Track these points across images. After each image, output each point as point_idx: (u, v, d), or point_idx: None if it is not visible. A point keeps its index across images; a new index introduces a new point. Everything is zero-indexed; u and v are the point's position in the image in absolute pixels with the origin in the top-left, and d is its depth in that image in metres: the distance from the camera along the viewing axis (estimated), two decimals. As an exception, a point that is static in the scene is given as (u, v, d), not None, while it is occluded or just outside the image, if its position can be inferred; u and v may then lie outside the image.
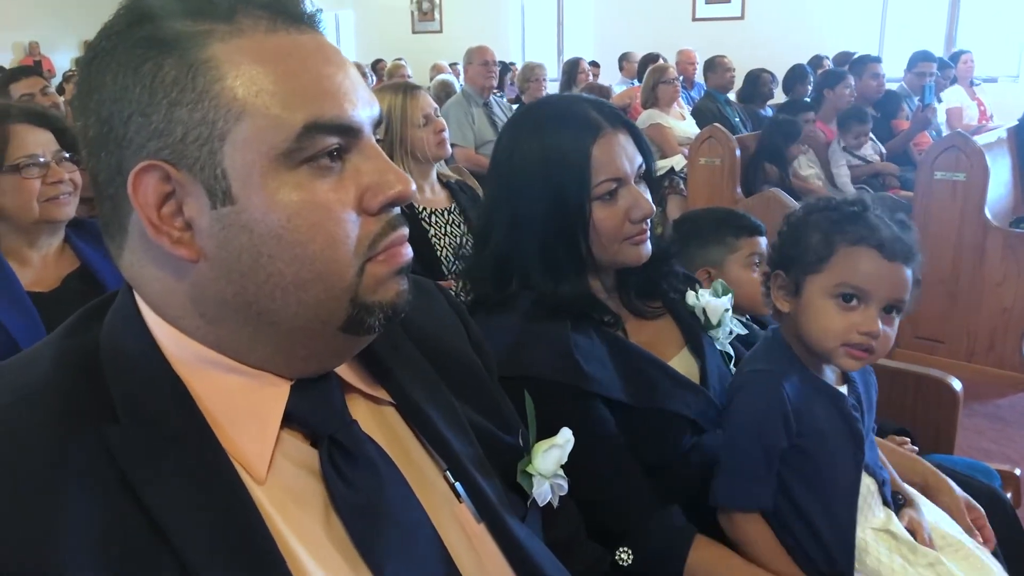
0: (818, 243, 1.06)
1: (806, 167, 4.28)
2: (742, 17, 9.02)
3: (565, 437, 0.83)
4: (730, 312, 1.26)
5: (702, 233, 1.60)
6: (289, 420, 0.65)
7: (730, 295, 1.26)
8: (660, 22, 9.17)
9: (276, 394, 0.64)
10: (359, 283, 0.62)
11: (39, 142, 1.54)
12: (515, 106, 5.41)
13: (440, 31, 11.79)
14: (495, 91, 6.11)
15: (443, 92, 5.31)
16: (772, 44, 8.11)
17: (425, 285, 0.86)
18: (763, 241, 1.60)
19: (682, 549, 1.02)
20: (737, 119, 5.38)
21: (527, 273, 1.14)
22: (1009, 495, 1.70)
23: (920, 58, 4.92)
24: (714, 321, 1.24)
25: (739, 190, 3.75)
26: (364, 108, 0.63)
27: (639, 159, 1.16)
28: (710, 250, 1.56)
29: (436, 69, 7.21)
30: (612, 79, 8.70)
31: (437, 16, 11.85)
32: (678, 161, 4.39)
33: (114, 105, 0.59)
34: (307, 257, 0.60)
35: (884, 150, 4.58)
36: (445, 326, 0.84)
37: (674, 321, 1.25)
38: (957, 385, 1.76)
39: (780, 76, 5.99)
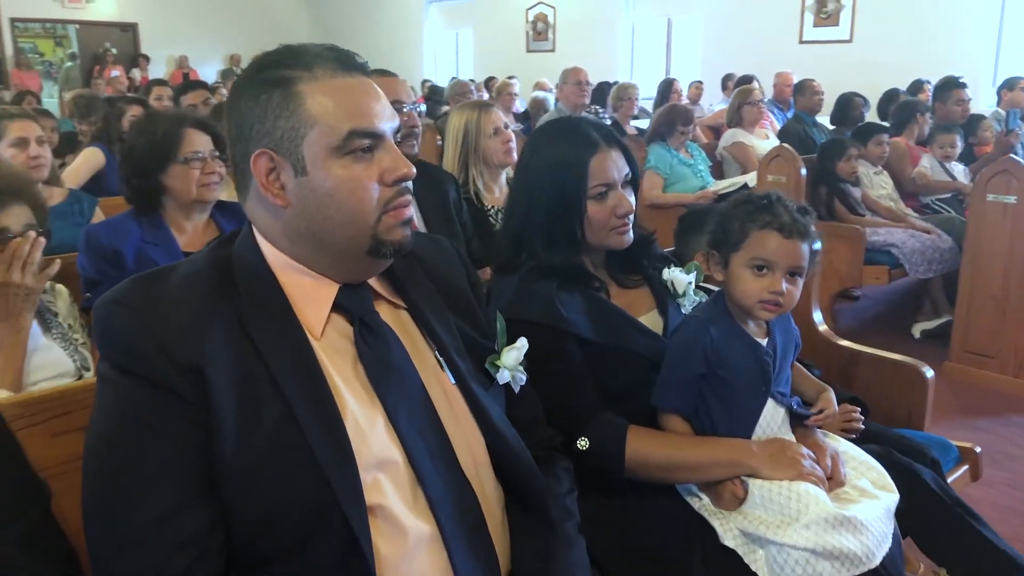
0: (737, 229, 1.42)
1: (878, 187, 4.45)
2: (850, 40, 9.05)
3: (522, 344, 1.23)
4: (693, 285, 1.61)
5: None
6: (336, 307, 1.08)
7: (695, 273, 1.62)
8: (766, 44, 9.31)
9: (330, 290, 1.08)
10: (377, 227, 1.05)
11: (202, 143, 2.08)
12: (610, 123, 5.80)
13: (553, 50, 12.29)
14: (598, 109, 6.51)
15: (537, 109, 5.75)
16: (880, 67, 8.12)
17: (442, 242, 1.29)
18: None
19: (621, 434, 1.40)
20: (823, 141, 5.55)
21: (534, 247, 1.54)
22: (965, 468, 1.96)
23: (1004, 85, 4.97)
24: (680, 291, 1.61)
25: (802, 206, 3.99)
26: (387, 122, 1.06)
27: (626, 169, 1.55)
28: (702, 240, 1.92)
29: (538, 86, 7.68)
30: (715, 98, 8.93)
31: (551, 36, 12.37)
32: (752, 178, 4.64)
33: (244, 118, 1.04)
34: (347, 209, 1.03)
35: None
36: (451, 268, 1.26)
37: (649, 290, 1.63)
38: (929, 372, 2.02)
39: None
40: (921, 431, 2.01)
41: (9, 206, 1.67)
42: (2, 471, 0.90)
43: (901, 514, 1.44)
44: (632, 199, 1.54)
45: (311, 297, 1.06)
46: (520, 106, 7.49)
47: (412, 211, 1.09)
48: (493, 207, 2.64)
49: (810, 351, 2.07)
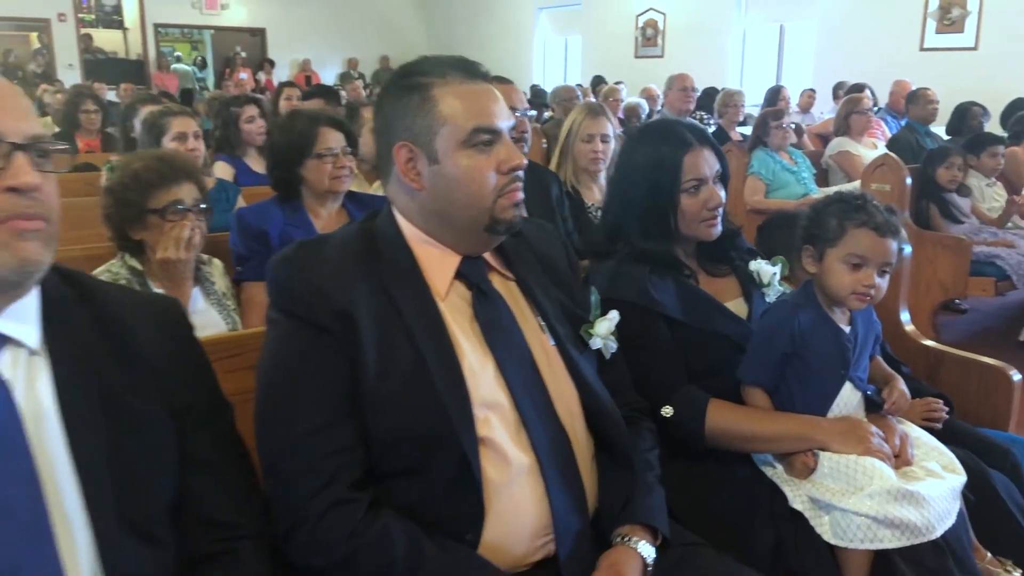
0: (835, 226, 1.54)
1: (990, 199, 4.37)
2: (975, 48, 8.69)
3: (613, 315, 1.40)
4: (778, 276, 1.75)
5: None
6: (458, 275, 1.29)
7: (780, 265, 1.75)
8: (884, 51, 9.04)
9: (453, 260, 1.28)
10: (494, 207, 1.25)
11: (335, 140, 2.35)
12: (712, 131, 5.86)
13: (662, 56, 12.30)
14: (703, 115, 6.58)
15: (631, 115, 5.87)
16: (1006, 77, 7.79)
17: (546, 226, 1.49)
18: None
19: (702, 405, 1.55)
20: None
21: (629, 236, 1.71)
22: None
23: None
24: (765, 281, 1.74)
25: (907, 214, 3.98)
26: (504, 121, 1.26)
27: (717, 167, 1.70)
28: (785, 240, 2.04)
29: (645, 92, 7.78)
30: (826, 107, 8.77)
31: (660, 42, 12.39)
32: (856, 187, 4.63)
33: (388, 116, 1.26)
34: (470, 192, 1.23)
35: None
36: (553, 248, 1.45)
37: (736, 279, 1.77)
38: (1016, 376, 2.06)
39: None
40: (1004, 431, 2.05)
41: (182, 183, 1.98)
42: (202, 380, 1.14)
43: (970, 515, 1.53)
44: (722, 194, 1.69)
45: (438, 265, 1.28)
46: (628, 112, 7.61)
47: (522, 195, 1.28)
48: (592, 204, 2.82)
49: (897, 351, 2.15)
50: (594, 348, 1.38)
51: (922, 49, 9.08)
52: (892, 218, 1.52)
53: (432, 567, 1.11)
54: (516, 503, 1.19)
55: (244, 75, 13.49)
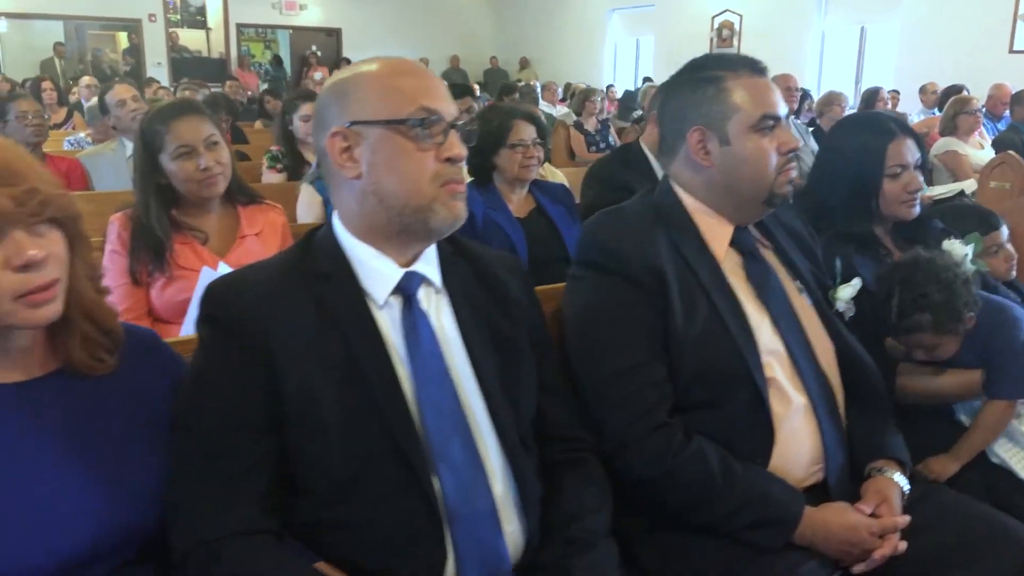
0: None
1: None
2: (1068, 50, 8.64)
3: (856, 283, 1.60)
4: (970, 256, 1.92)
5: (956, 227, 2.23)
6: (731, 242, 1.50)
7: (973, 244, 1.93)
8: (971, 53, 9.00)
9: (727, 230, 1.49)
10: (774, 183, 1.45)
11: (527, 132, 2.59)
12: (811, 129, 5.99)
13: (737, 57, 12.39)
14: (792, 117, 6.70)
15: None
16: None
17: (788, 201, 1.70)
18: (1004, 232, 2.19)
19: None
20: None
21: (834, 217, 1.91)
22: None
23: None
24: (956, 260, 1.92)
25: (1027, 212, 4.07)
26: (783, 109, 1.46)
27: (918, 155, 1.89)
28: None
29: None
30: (911, 108, 8.78)
31: (735, 43, 12.46)
32: (969, 185, 4.72)
33: (680, 104, 1.48)
34: (755, 169, 1.43)
35: None
36: (796, 222, 1.66)
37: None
38: None
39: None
40: None
41: None
42: (544, 320, 1.37)
43: None
44: (921, 183, 1.88)
45: (716, 233, 1.49)
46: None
47: (795, 173, 1.49)
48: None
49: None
50: (840, 310, 1.59)
51: (1012, 51, 9.03)
52: None
53: (742, 480, 1.32)
54: (795, 435, 1.40)
55: (320, 74, 13.93)
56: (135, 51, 14.97)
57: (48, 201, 0.98)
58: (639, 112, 9.21)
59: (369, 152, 1.15)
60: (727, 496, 1.31)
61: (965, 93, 6.32)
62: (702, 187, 1.49)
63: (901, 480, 1.43)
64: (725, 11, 12.52)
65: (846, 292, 1.60)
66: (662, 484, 1.33)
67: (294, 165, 3.78)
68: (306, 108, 3.89)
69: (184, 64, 14.95)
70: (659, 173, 2.81)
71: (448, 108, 1.18)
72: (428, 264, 1.23)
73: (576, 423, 1.32)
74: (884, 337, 1.74)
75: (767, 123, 1.43)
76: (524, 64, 15.87)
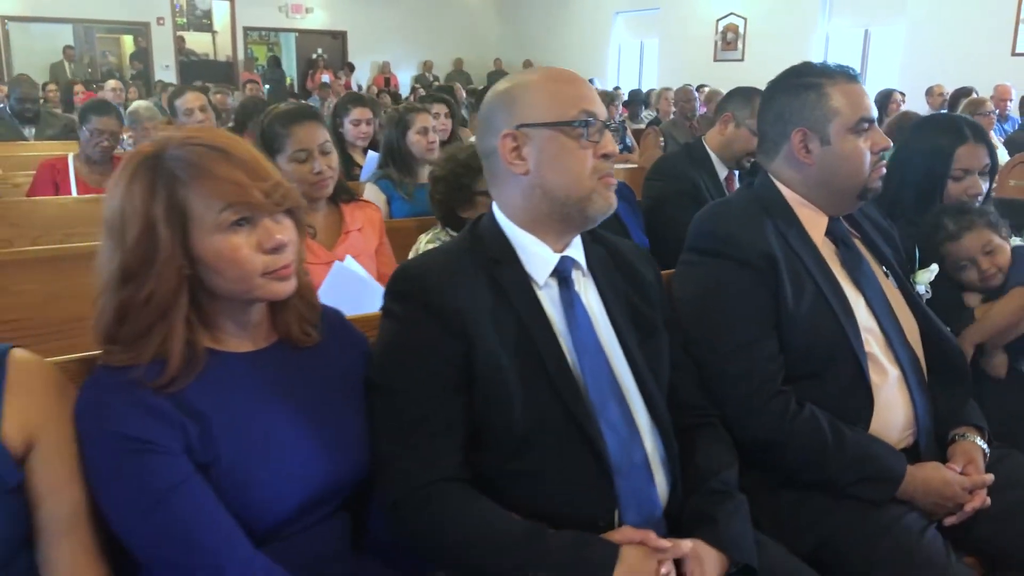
0: None
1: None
2: (1069, 53, 8.85)
3: (934, 268, 1.78)
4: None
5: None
6: (827, 231, 1.66)
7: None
8: (975, 56, 9.19)
9: (822, 220, 1.65)
10: (868, 178, 1.61)
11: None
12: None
13: (742, 60, 12.56)
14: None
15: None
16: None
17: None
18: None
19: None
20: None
21: (904, 210, 2.07)
22: None
23: None
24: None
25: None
26: (875, 112, 1.63)
27: (986, 161, 2.06)
28: None
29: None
30: (917, 110, 8.95)
31: (740, 46, 12.65)
32: (986, 183, 4.91)
33: (782, 108, 1.64)
34: (854, 166, 1.59)
35: None
36: (872, 211, 1.82)
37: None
38: None
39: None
40: None
41: None
42: (669, 303, 1.54)
43: None
44: (984, 186, 2.05)
45: (813, 223, 1.66)
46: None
47: (884, 170, 1.65)
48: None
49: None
50: (920, 293, 1.76)
51: (1014, 54, 9.24)
52: None
53: (851, 441, 1.49)
54: (891, 403, 1.56)
55: (327, 77, 14.04)
56: (143, 54, 15.09)
57: (288, 194, 1.14)
58: (651, 113, 9.42)
59: (536, 151, 1.31)
60: (838, 456, 1.48)
61: (975, 95, 6.53)
62: (802, 182, 1.66)
63: (982, 443, 1.59)
64: (730, 14, 12.71)
65: (925, 276, 1.77)
66: (780, 446, 1.49)
67: (346, 167, 3.92)
68: (357, 112, 4.06)
69: (191, 67, 15.08)
70: (719, 169, 3.00)
71: (602, 111, 1.34)
72: (577, 250, 1.39)
73: (699, 393, 1.49)
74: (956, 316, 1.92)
75: (863, 125, 1.60)
76: (528, 66, 16.00)
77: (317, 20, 16.15)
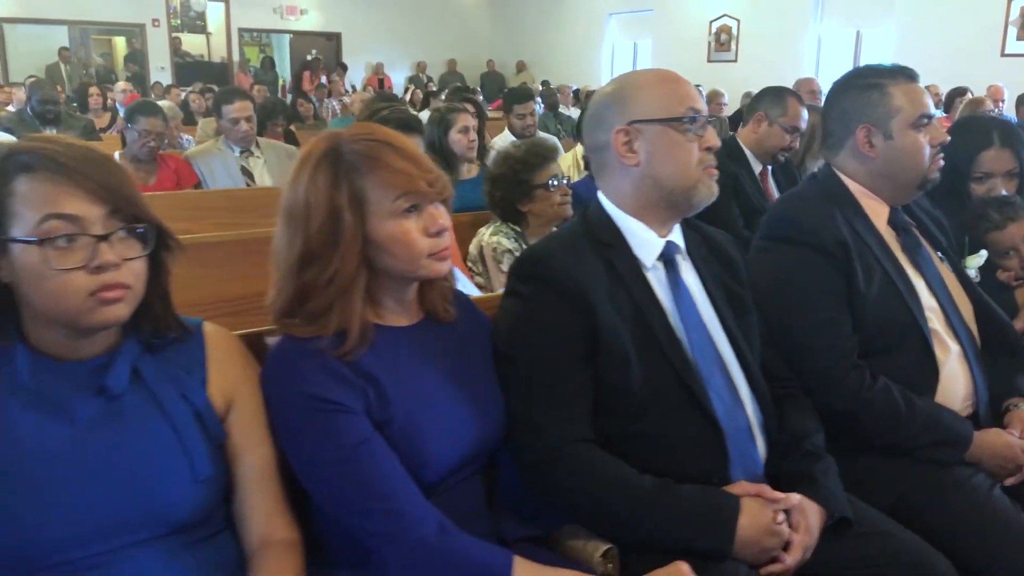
0: None
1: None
2: (1057, 54, 9.10)
3: (983, 253, 1.93)
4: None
5: None
6: (888, 220, 1.81)
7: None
8: (964, 57, 9.41)
9: (884, 209, 1.80)
10: (927, 169, 1.76)
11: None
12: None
13: (735, 61, 12.77)
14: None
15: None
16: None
17: None
18: None
19: None
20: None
21: (937, 203, 2.23)
22: None
23: None
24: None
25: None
26: (934, 108, 1.78)
27: (1011, 165, 2.23)
28: None
29: (747, 96, 8.27)
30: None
31: (733, 47, 12.86)
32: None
33: (848, 106, 1.79)
34: (915, 159, 1.75)
35: None
36: (930, 207, 1.98)
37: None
38: None
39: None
40: None
41: (551, 163, 2.55)
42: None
43: None
44: (1002, 190, 2.21)
45: (876, 212, 1.81)
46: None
47: (943, 162, 1.80)
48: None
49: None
50: (971, 277, 1.91)
51: (1003, 55, 9.49)
52: None
53: (922, 409, 1.64)
54: (953, 376, 1.72)
55: (323, 80, 14.05)
56: (138, 56, 15.08)
57: (446, 185, 1.27)
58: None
59: (647, 144, 1.45)
60: (911, 422, 1.62)
61: (970, 95, 6.74)
62: (866, 175, 1.80)
63: None
64: (723, 16, 12.92)
65: (975, 261, 1.93)
66: (858, 415, 1.64)
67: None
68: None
69: (186, 69, 15.08)
70: (754, 164, 3.16)
71: (704, 107, 1.48)
72: (677, 236, 1.53)
73: (784, 366, 1.63)
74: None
75: (923, 120, 1.75)
76: (521, 67, 16.17)
77: (311, 22, 16.19)
